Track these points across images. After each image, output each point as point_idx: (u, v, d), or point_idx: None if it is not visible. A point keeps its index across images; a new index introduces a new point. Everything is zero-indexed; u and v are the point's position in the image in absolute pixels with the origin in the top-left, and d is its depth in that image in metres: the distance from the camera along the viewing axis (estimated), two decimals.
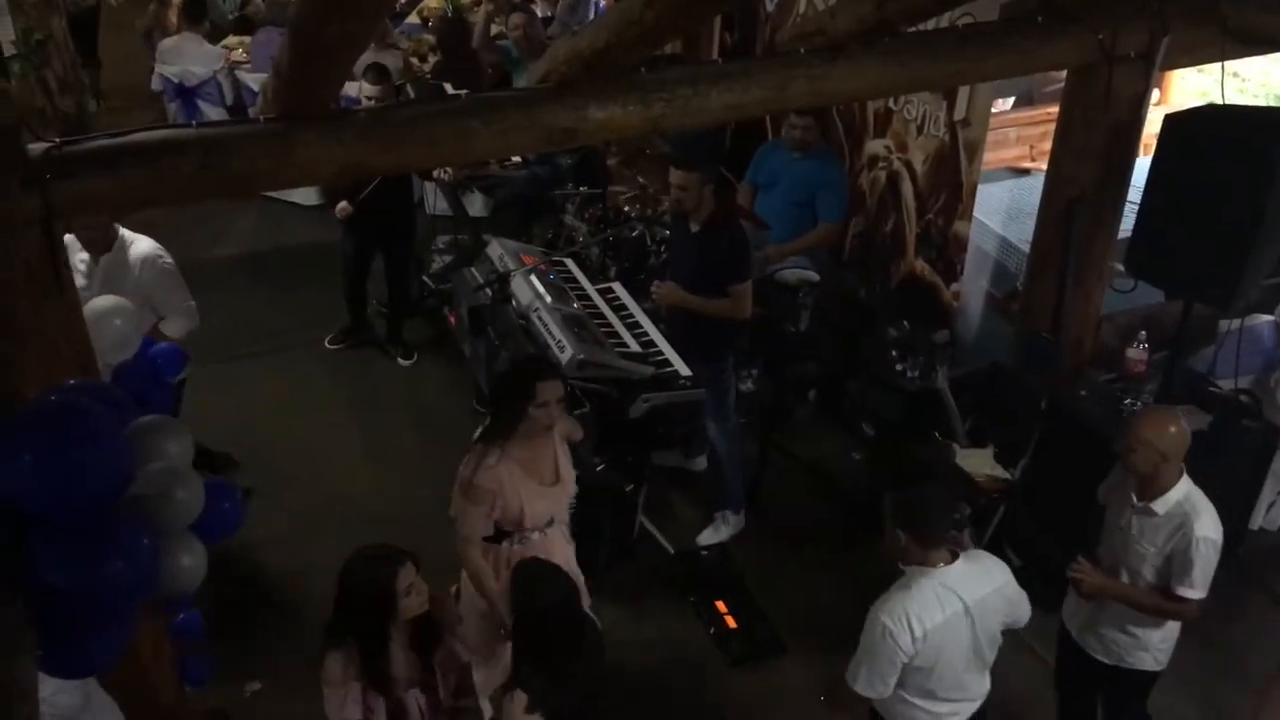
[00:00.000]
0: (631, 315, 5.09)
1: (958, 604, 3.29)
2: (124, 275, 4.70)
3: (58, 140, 3.18)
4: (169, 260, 4.85)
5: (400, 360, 6.66)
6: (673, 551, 5.20)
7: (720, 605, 4.85)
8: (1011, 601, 3.44)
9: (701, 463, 5.68)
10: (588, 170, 6.76)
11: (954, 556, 3.33)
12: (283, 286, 7.40)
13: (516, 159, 6.86)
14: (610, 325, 4.94)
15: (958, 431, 4.98)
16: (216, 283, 7.42)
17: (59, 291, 3.12)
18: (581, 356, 4.49)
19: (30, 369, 2.35)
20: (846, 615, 3.53)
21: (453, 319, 6.69)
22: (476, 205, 7.70)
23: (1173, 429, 3.50)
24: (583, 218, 6.31)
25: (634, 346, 4.80)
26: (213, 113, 8.01)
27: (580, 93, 3.60)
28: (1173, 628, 3.72)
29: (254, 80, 8.05)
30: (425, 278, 7.05)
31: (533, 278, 4.96)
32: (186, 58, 8.34)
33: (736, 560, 5.14)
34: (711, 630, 4.76)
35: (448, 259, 7.07)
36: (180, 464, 1.93)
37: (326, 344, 6.76)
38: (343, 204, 6.20)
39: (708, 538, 5.25)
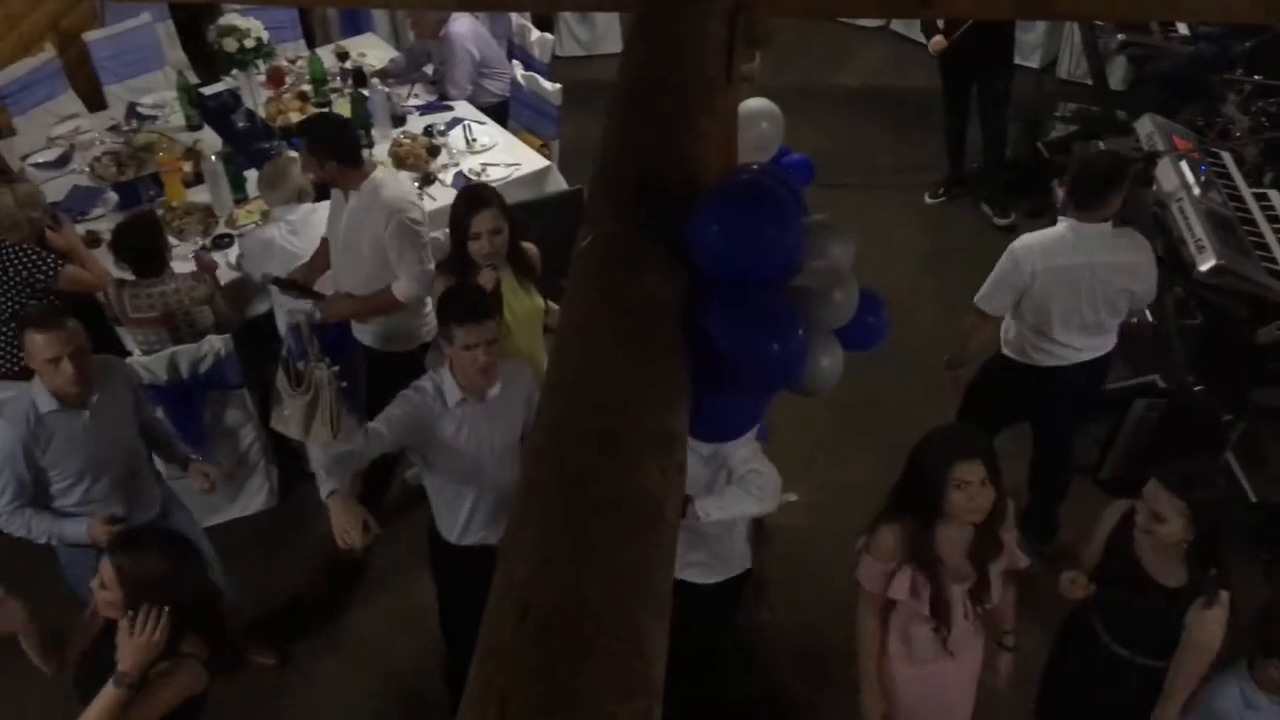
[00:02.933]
0: None
1: (1083, 258, 3.88)
2: (367, 222, 4.16)
3: None
4: (414, 215, 4.17)
5: (996, 220, 6.41)
6: (1254, 500, 4.63)
7: None
8: (1139, 276, 3.92)
9: None
10: (1266, 58, 5.87)
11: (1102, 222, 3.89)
12: (892, 125, 7.35)
13: (1184, 30, 6.12)
14: (1261, 235, 4.34)
15: None
16: (829, 109, 7.57)
17: (730, 84, 3.28)
18: (1221, 262, 3.99)
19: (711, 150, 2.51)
20: None
21: (1062, 190, 6.28)
22: (1115, 76, 7.05)
23: None
24: (1248, 110, 5.53)
25: None
26: None
27: None
28: None
29: None
30: (1040, 144, 6.65)
31: (1183, 164, 4.45)
32: None
33: None
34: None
35: (1072, 129, 6.60)
36: (843, 266, 1.95)
37: (926, 199, 6.65)
38: (937, 38, 6.03)
39: None
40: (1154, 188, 4.43)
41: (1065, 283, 3.89)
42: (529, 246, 4.07)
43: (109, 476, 3.50)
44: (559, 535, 1.44)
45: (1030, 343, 4.07)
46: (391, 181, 4.26)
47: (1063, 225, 3.95)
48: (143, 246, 4.19)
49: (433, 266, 4.17)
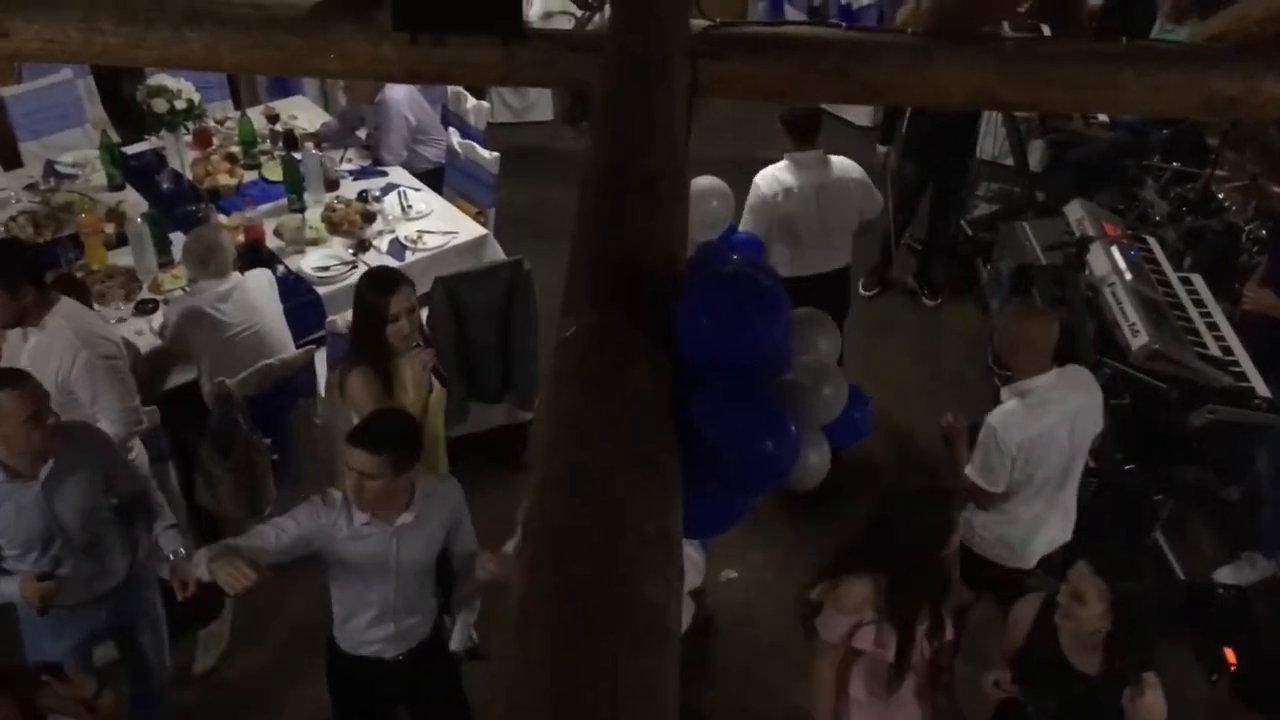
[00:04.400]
0: (1210, 315, 4.58)
1: (812, 178, 4.88)
2: (50, 361, 3.67)
3: (717, 20, 3.33)
4: (105, 350, 3.76)
5: (925, 300, 6.52)
6: (1181, 578, 4.72)
7: (1229, 654, 4.33)
8: (853, 192, 5.03)
9: (1234, 492, 5.07)
10: (1180, 146, 6.13)
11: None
12: None
13: (1102, 119, 6.36)
14: (1189, 320, 4.47)
15: None
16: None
17: (684, 164, 3.29)
18: (1155, 346, 4.10)
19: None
20: None
21: (987, 270, 6.45)
22: (1032, 159, 7.28)
23: (1026, 324, 3.79)
24: (1166, 196, 5.74)
25: (1213, 349, 4.32)
26: (795, 14, 8.12)
27: (1261, 58, 3.17)
28: (984, 518, 3.83)
29: None
30: (964, 222, 6.81)
31: (1114, 249, 4.58)
32: None
33: (1257, 611, 4.56)
34: (1214, 677, 4.28)
35: (994, 208, 6.78)
36: (829, 361, 1.93)
37: (861, 290, 6.69)
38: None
39: (1227, 575, 4.69)
40: (1086, 272, 4.55)
41: (802, 199, 4.85)
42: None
43: (62, 546, 3.36)
44: (564, 651, 1.36)
45: (786, 260, 4.87)
46: (77, 313, 3.76)
47: (785, 160, 4.96)
48: None
49: (137, 403, 3.82)
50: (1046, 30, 6.14)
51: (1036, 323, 3.78)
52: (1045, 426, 3.68)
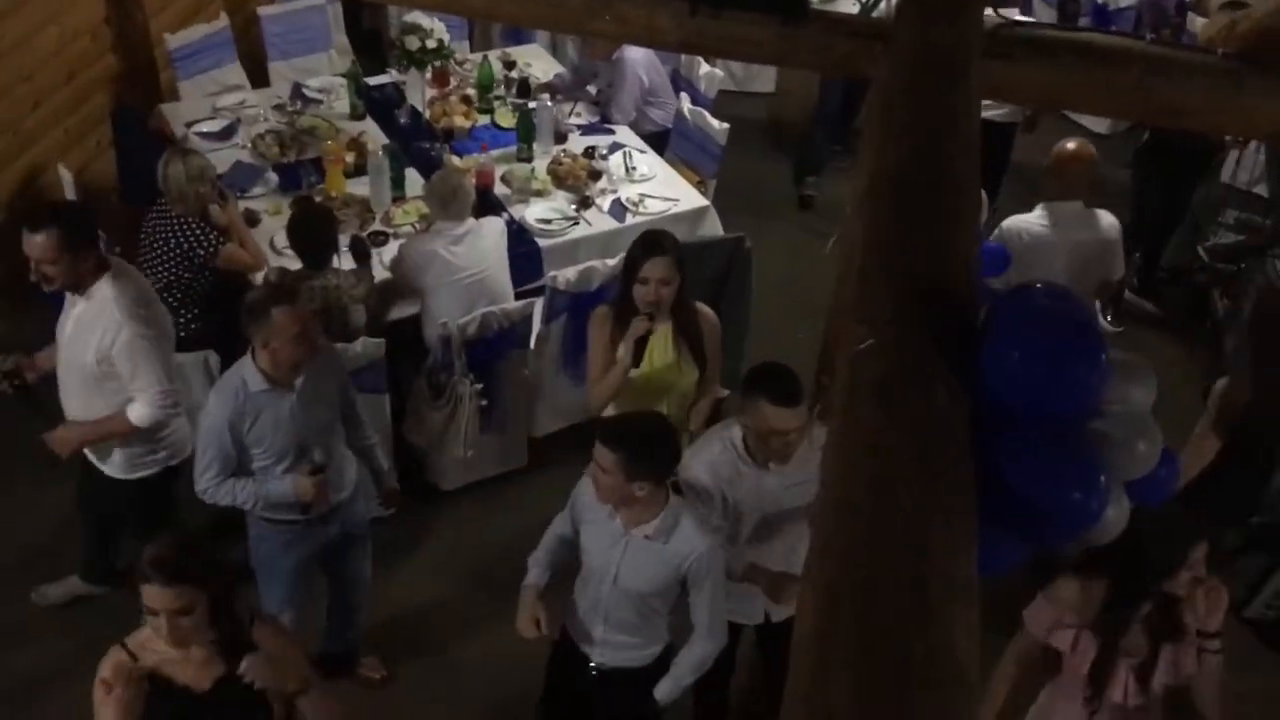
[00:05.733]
0: None
1: None
2: (95, 332, 3.52)
3: (1009, 19, 3.16)
4: (145, 329, 3.53)
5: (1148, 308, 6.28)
6: None
7: None
8: None
9: None
10: None
11: None
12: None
13: None
14: None
15: None
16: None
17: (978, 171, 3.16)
18: None
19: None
20: None
21: (1222, 304, 6.07)
22: None
23: (1070, 153, 4.44)
24: None
25: None
26: (1046, 11, 7.72)
27: None
28: None
29: None
30: (1202, 249, 6.40)
31: None
32: None
33: None
34: None
35: (1238, 238, 6.34)
36: (1146, 412, 1.79)
37: (1110, 325, 6.28)
38: None
39: None
40: None
41: None
42: (707, 313, 3.86)
43: (308, 457, 3.50)
44: (872, 704, 1.30)
45: None
46: (124, 287, 3.54)
47: None
48: (318, 239, 4.14)
49: (173, 385, 3.61)
50: None
51: (1079, 154, 4.38)
52: (1049, 240, 4.29)
